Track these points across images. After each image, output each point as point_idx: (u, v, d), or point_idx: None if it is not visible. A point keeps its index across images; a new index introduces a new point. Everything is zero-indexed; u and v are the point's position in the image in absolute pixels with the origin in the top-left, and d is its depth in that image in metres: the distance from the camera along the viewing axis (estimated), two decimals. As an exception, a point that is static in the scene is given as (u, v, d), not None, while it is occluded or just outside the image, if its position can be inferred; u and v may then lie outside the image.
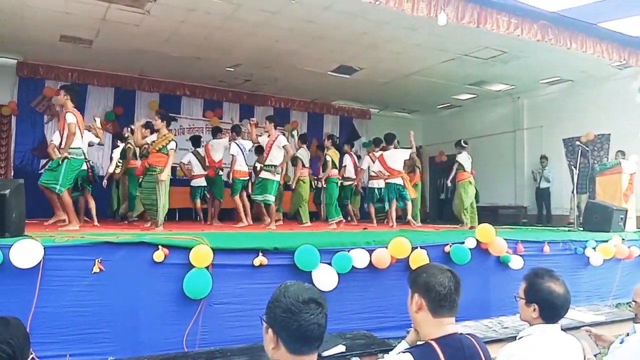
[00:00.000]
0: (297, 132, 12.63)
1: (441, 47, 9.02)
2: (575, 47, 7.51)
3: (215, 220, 8.56)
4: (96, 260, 3.88)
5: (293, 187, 9.19)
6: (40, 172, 6.17)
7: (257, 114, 12.82)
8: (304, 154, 9.11)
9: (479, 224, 5.82)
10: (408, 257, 5.01)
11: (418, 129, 15.35)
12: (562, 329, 2.28)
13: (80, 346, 3.80)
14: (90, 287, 3.87)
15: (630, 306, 3.15)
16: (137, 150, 7.85)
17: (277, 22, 7.91)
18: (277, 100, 13.09)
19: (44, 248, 3.70)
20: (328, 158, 9.19)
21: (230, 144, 8.59)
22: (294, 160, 8.94)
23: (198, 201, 8.97)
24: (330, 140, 9.47)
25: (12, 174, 10.03)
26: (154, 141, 6.59)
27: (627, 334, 2.77)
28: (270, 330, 1.57)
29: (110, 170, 8.52)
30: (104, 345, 3.87)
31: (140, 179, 6.71)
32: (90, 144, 6.87)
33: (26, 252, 3.61)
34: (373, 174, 9.18)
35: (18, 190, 4.21)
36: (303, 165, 9.02)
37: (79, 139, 6.00)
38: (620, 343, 2.80)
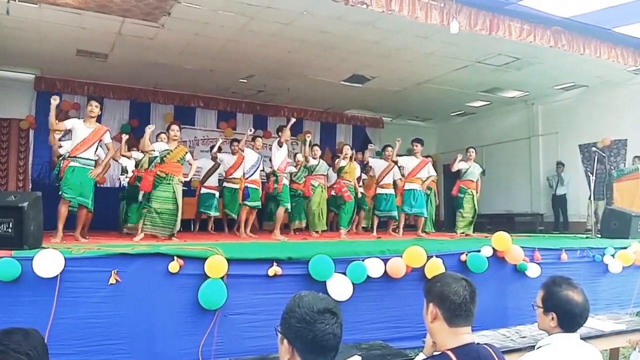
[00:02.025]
0: (311, 141, 12.68)
1: (454, 55, 9.01)
2: (589, 52, 7.46)
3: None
4: (112, 271, 3.91)
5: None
6: (57, 184, 6.17)
7: (270, 124, 12.95)
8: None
9: (494, 232, 5.77)
10: (423, 266, 4.97)
11: (432, 137, 15.38)
12: (581, 338, 2.24)
13: (97, 357, 3.81)
14: (107, 299, 3.90)
15: (651, 314, 3.10)
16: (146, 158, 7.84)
17: (289, 33, 7.96)
18: (290, 110, 13.11)
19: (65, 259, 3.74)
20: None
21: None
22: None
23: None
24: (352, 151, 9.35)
25: (30, 187, 10.19)
26: (170, 151, 6.63)
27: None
28: (285, 341, 1.56)
29: (130, 174, 8.55)
30: (120, 356, 3.88)
31: (151, 191, 6.67)
32: None
33: (48, 262, 3.66)
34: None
35: (36, 202, 4.27)
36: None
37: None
38: (638, 352, 2.76)
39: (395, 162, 9.05)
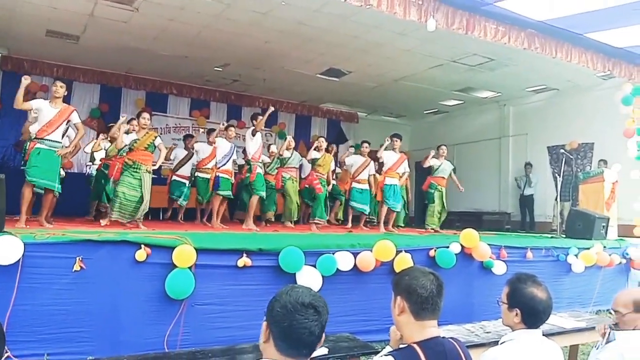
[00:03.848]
0: (286, 134, 12.67)
1: (430, 53, 9.08)
2: (561, 56, 7.59)
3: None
4: (77, 258, 3.83)
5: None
6: (23, 167, 5.98)
7: (244, 114, 12.83)
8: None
9: (463, 230, 5.86)
10: (392, 260, 5.03)
11: (405, 134, 15.47)
12: (543, 335, 2.29)
13: (59, 345, 3.75)
14: (71, 286, 3.82)
15: (610, 313, 3.18)
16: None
17: (267, 23, 7.89)
18: (264, 101, 13.02)
19: (24, 245, 3.64)
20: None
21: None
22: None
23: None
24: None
25: (-7, 170, 9.88)
26: (137, 140, 6.54)
27: (607, 341, 2.79)
28: (264, 324, 1.59)
29: (98, 162, 8.40)
30: (83, 345, 3.82)
31: (119, 176, 6.59)
32: None
33: (6, 248, 3.55)
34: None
35: (-2, 185, 4.15)
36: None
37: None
38: (596, 349, 2.83)
39: (377, 159, 9.08)
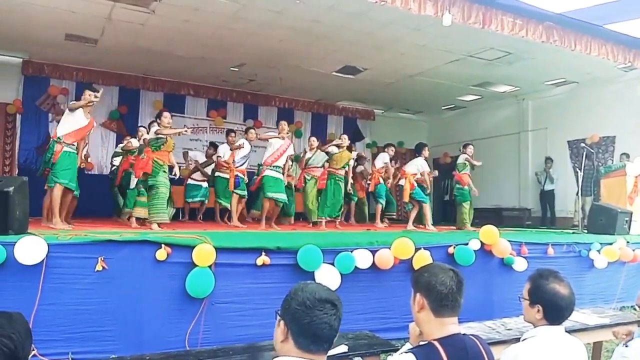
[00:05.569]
0: (302, 133, 12.72)
1: (446, 48, 9.00)
2: (580, 48, 7.48)
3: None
4: (99, 258, 3.89)
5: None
6: (45, 169, 6.08)
7: (260, 114, 12.90)
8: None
9: (482, 226, 5.80)
10: (411, 258, 5.00)
11: (423, 130, 15.40)
12: (566, 331, 2.26)
13: (83, 344, 3.81)
14: (93, 285, 3.88)
15: (634, 309, 3.12)
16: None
17: (281, 22, 7.90)
18: (281, 100, 13.10)
19: (48, 245, 3.70)
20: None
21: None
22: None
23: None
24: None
25: (16, 172, 10.07)
26: (165, 140, 6.59)
27: (632, 337, 2.75)
28: (282, 323, 1.59)
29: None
30: (106, 343, 3.87)
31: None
32: None
33: (30, 249, 3.62)
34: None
35: (22, 187, 4.23)
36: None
37: None
38: (625, 346, 2.79)
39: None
